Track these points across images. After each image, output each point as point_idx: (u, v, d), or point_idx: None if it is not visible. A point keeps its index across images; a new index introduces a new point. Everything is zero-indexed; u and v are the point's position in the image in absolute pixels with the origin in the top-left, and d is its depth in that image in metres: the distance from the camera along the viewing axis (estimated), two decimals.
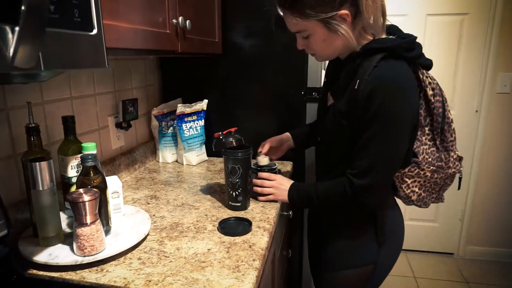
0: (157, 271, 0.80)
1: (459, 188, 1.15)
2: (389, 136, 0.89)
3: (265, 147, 1.29)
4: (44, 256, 0.80)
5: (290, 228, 1.66)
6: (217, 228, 0.99)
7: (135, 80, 1.50)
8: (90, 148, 0.89)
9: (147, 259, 0.85)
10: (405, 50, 0.87)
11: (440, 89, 0.97)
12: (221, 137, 1.11)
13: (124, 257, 0.85)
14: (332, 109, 0.99)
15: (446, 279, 2.44)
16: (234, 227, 1.00)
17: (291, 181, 1.11)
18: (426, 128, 0.98)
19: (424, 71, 0.94)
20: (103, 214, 0.87)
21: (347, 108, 0.93)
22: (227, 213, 1.09)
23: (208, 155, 1.68)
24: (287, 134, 1.35)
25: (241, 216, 1.05)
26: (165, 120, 1.60)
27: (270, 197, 1.13)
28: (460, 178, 1.11)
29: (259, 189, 1.15)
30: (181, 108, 1.53)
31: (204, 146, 1.66)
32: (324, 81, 1.13)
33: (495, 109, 2.54)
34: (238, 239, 0.94)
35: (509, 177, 2.57)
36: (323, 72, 1.65)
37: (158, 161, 1.63)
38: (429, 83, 0.94)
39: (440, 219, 2.70)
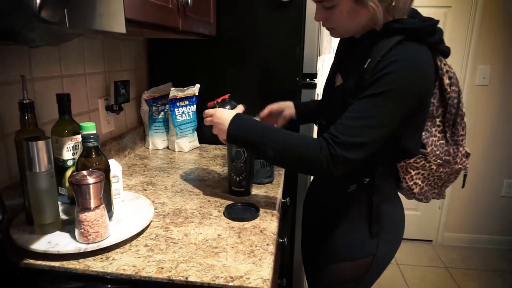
0: (168, 258, 0.75)
1: (463, 186, 1.09)
2: (386, 108, 0.81)
3: (264, 111, 1.21)
4: (43, 244, 0.74)
5: (284, 214, 1.64)
6: (224, 213, 0.95)
7: (125, 62, 1.42)
8: (90, 128, 0.83)
9: (154, 246, 0.80)
10: (427, 34, 0.83)
11: (457, 79, 0.93)
12: (216, 106, 1.06)
13: (129, 244, 0.80)
14: (341, 89, 0.96)
15: (427, 265, 2.52)
16: (242, 213, 0.97)
17: (231, 112, 0.96)
18: (437, 119, 0.95)
19: (442, 58, 0.92)
20: (106, 198, 0.81)
21: (354, 87, 0.89)
22: (231, 199, 1.05)
23: (200, 142, 1.63)
24: (290, 102, 1.25)
25: (245, 201, 1.02)
26: (156, 104, 1.53)
27: (215, 131, 0.99)
28: (465, 176, 1.06)
29: (207, 122, 1.01)
30: (174, 92, 1.47)
31: (196, 132, 1.61)
32: (333, 62, 1.10)
33: (474, 101, 2.62)
34: (247, 224, 0.91)
35: (486, 166, 2.67)
36: (319, 59, 1.63)
37: (148, 148, 1.56)
38: (447, 71, 0.91)
39: (421, 207, 2.78)
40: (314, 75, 1.56)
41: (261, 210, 0.98)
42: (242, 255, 0.77)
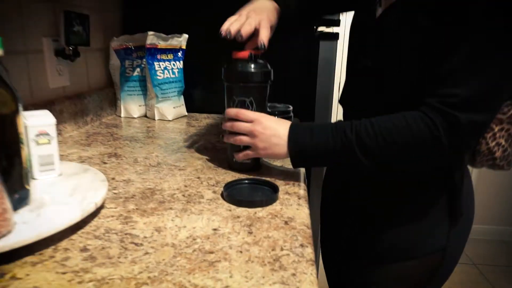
0: (119, 274, 0.40)
1: None
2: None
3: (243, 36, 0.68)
4: None
5: None
6: (222, 195, 0.60)
7: None
8: None
9: (99, 250, 0.44)
10: None
11: None
12: (238, 64, 0.68)
13: (53, 247, 0.44)
14: (394, 13, 0.63)
15: None
16: (250, 194, 0.62)
17: (284, 121, 0.66)
18: None
19: None
20: (13, 168, 0.45)
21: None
22: (231, 175, 0.70)
23: (188, 111, 1.26)
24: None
25: (254, 178, 0.66)
26: (130, 58, 1.16)
27: (248, 153, 0.68)
28: None
29: (231, 139, 0.69)
30: (153, 39, 1.10)
31: (182, 97, 1.24)
32: (350, 47, 0.77)
33: None
34: (260, 211, 0.55)
35: None
36: None
37: (120, 116, 1.19)
38: None
39: None
40: (336, 22, 1.20)
41: (281, 190, 0.63)
42: (259, 266, 0.42)
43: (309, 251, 0.45)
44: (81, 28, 0.91)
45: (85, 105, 1.04)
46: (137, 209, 0.55)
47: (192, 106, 1.28)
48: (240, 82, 0.67)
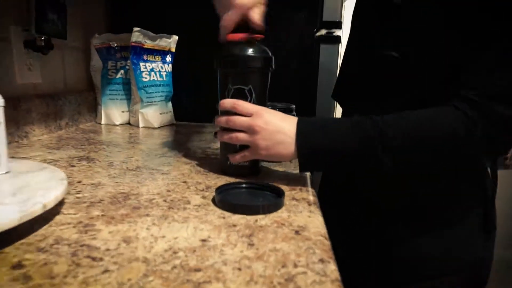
0: None
1: None
2: None
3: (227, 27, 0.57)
4: None
5: None
6: (214, 200, 0.48)
7: None
8: None
9: (38, 266, 0.31)
10: None
11: None
12: (231, 45, 0.57)
13: None
14: (394, 61, 0.56)
15: None
16: (248, 199, 0.49)
17: (289, 116, 0.55)
18: None
19: None
20: None
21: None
22: (225, 180, 0.58)
23: (177, 120, 1.15)
24: None
25: (252, 182, 0.54)
26: (113, 58, 1.05)
27: (246, 154, 0.56)
28: None
29: (225, 136, 0.57)
30: (138, 37, 1.00)
31: (171, 104, 1.13)
32: (355, 35, 0.68)
33: None
34: (263, 219, 0.43)
35: None
36: (348, 2, 1.20)
37: (100, 123, 1.07)
38: None
39: None
40: (338, 24, 1.12)
41: (286, 196, 0.51)
42: None
43: (332, 268, 0.33)
44: (56, 17, 0.81)
45: (59, 107, 0.92)
46: (103, 215, 0.43)
47: (181, 115, 1.17)
48: (238, 67, 0.56)
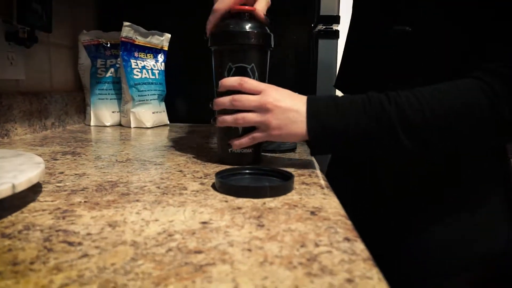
0: None
1: None
2: None
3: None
4: None
5: None
6: (214, 186, 0.42)
7: None
8: None
9: (1, 253, 0.25)
10: None
11: None
12: (228, 22, 0.51)
13: None
14: (403, 36, 0.53)
15: None
16: (253, 183, 0.44)
17: (297, 94, 0.50)
18: None
19: None
20: None
21: None
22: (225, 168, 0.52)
23: (171, 121, 1.09)
24: None
25: (258, 167, 0.49)
26: (102, 56, 1.00)
27: (256, 135, 0.50)
28: None
29: (228, 119, 0.51)
30: (129, 32, 0.95)
31: (164, 103, 1.08)
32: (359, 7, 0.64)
33: None
34: (271, 201, 0.38)
35: None
36: None
37: (89, 125, 1.01)
38: None
39: None
40: (336, 19, 1.08)
41: (296, 180, 0.45)
42: (284, 269, 0.23)
43: (361, 247, 0.27)
44: (40, 8, 0.76)
45: (44, 106, 0.86)
46: (85, 201, 0.37)
47: (174, 117, 1.11)
48: (239, 43, 0.51)
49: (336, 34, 1.09)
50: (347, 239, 0.28)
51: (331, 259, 0.25)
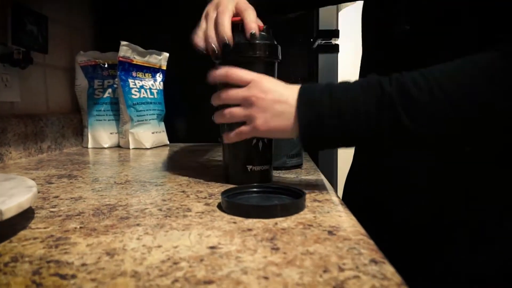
0: None
1: None
2: None
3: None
4: None
5: None
6: (221, 206, 0.39)
7: (50, 3, 0.89)
8: None
9: None
10: None
11: None
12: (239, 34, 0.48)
13: None
14: (405, 35, 0.50)
15: None
16: (263, 202, 0.41)
17: (292, 85, 0.44)
18: None
19: None
20: None
21: None
22: (231, 187, 0.49)
23: (171, 140, 1.07)
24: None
25: (266, 185, 0.46)
26: (99, 76, 0.99)
27: (243, 130, 0.45)
28: None
29: (218, 117, 0.47)
30: (126, 51, 0.94)
31: (163, 123, 1.06)
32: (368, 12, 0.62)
33: None
34: (284, 221, 0.35)
35: None
36: (341, 12, 1.16)
37: (87, 147, 0.98)
38: None
39: None
40: (335, 33, 1.08)
41: (307, 197, 0.42)
42: None
43: (391, 270, 0.24)
44: (36, 29, 0.74)
45: (40, 129, 0.83)
46: (81, 227, 0.33)
47: (174, 137, 1.09)
48: (248, 55, 0.48)
49: (335, 48, 1.08)
50: (374, 261, 0.25)
51: (360, 286, 0.22)
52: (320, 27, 1.08)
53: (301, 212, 0.37)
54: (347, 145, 0.42)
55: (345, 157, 1.17)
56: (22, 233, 0.32)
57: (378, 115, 0.38)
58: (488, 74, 0.36)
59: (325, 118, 0.39)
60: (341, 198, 0.58)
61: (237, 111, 0.44)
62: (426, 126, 0.37)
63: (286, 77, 0.48)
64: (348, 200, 0.62)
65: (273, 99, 0.42)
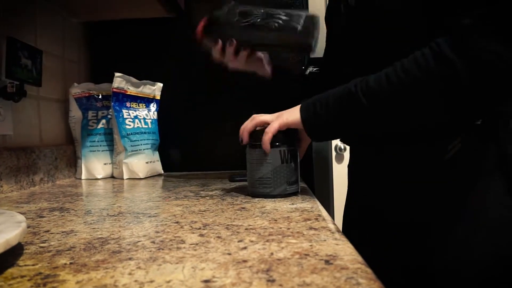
0: None
1: None
2: None
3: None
4: None
5: None
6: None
7: (46, 37, 0.91)
8: None
9: None
10: None
11: None
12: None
13: None
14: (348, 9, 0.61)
15: None
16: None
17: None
18: None
19: None
20: None
21: None
22: (225, 217, 0.49)
23: (165, 169, 1.06)
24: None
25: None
26: (93, 107, 0.99)
27: (268, 129, 0.61)
28: None
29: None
30: (120, 83, 0.95)
31: (157, 153, 1.05)
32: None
33: None
34: (280, 251, 0.34)
35: None
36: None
37: (80, 178, 0.97)
38: None
39: None
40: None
41: (302, 226, 0.42)
42: None
43: None
44: (30, 63, 0.75)
45: (32, 161, 0.83)
46: (71, 263, 0.32)
47: (168, 166, 1.08)
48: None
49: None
50: None
51: None
52: (311, 55, 1.10)
53: (299, 241, 0.37)
54: (332, 124, 0.55)
55: (340, 181, 1.17)
56: (9, 271, 0.31)
57: (346, 99, 0.52)
58: (422, 70, 0.46)
59: (316, 105, 0.55)
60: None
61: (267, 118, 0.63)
62: (374, 106, 0.49)
63: (280, 104, 0.58)
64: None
65: (287, 111, 0.61)
